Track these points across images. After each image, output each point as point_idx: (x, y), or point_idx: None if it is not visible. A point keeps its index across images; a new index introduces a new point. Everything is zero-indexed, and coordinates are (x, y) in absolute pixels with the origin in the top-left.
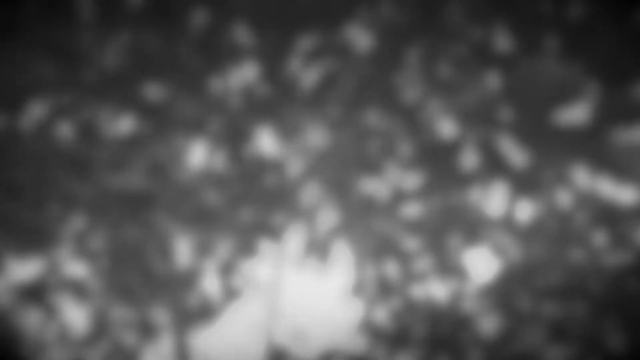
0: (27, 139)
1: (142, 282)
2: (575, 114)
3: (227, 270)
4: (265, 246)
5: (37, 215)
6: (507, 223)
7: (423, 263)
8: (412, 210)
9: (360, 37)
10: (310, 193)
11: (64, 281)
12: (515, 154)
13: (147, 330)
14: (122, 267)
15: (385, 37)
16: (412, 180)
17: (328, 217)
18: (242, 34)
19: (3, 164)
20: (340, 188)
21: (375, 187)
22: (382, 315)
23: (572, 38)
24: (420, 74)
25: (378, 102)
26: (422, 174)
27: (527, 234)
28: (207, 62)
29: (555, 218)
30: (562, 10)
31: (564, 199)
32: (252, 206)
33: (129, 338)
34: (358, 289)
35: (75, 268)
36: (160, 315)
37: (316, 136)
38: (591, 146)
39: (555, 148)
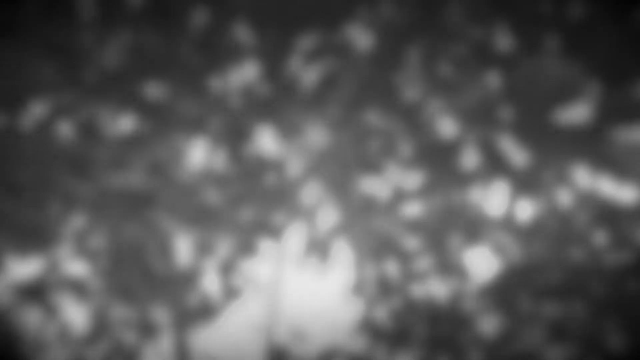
0: (27, 138)
1: (143, 281)
2: (576, 113)
3: (227, 269)
4: (266, 246)
5: (37, 215)
6: (508, 223)
7: (423, 263)
8: (413, 209)
9: (360, 37)
10: (311, 192)
11: (64, 280)
12: (515, 153)
13: (147, 330)
14: (123, 267)
15: (385, 36)
16: (412, 179)
17: (328, 217)
18: (242, 33)
19: (3, 163)
20: (340, 187)
21: (375, 186)
22: (382, 314)
23: (573, 38)
24: (421, 73)
25: (378, 101)
26: (422, 173)
27: (528, 234)
28: (207, 62)
29: (555, 218)
30: (562, 10)
31: (564, 198)
32: (252, 206)
33: (129, 337)
34: (358, 289)
35: (76, 267)
36: (160, 315)
37: (316, 135)
38: (591, 146)
39: (555, 148)
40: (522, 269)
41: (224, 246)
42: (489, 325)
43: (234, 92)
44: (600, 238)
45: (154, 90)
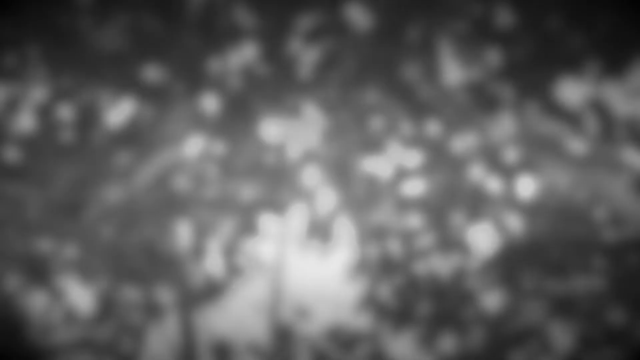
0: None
1: (147, 262)
2: (576, 89)
3: (230, 249)
4: (268, 226)
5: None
6: (510, 199)
7: (426, 240)
8: (415, 187)
9: (360, 16)
10: (312, 172)
11: (68, 263)
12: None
13: (152, 310)
14: (127, 248)
15: (385, 15)
16: (413, 158)
17: (330, 196)
18: (241, 14)
19: (3, 147)
20: (341, 167)
21: (376, 165)
22: (385, 292)
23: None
24: (421, 51)
25: (378, 80)
26: (423, 151)
27: (530, 210)
28: (206, 43)
29: (556, 195)
30: None
31: (564, 176)
32: (253, 186)
33: (134, 318)
34: (361, 267)
35: (79, 250)
36: (165, 295)
37: (317, 115)
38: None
39: (554, 125)
40: (524, 244)
41: (226, 226)
42: (491, 301)
43: (233, 73)
44: (600, 214)
45: (153, 72)
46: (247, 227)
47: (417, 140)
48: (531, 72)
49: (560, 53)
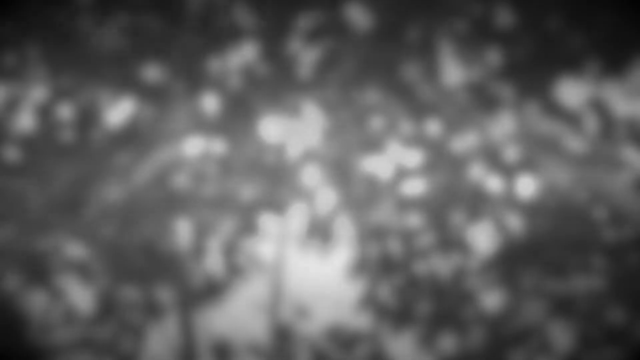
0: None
1: (147, 262)
2: (576, 89)
3: (230, 249)
4: (268, 225)
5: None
6: (510, 199)
7: (426, 239)
8: (414, 187)
9: (360, 16)
10: (312, 172)
11: (68, 262)
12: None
13: (152, 310)
14: (126, 248)
15: (385, 14)
16: (413, 157)
17: (330, 196)
18: (241, 13)
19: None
20: (341, 167)
21: (376, 165)
22: (385, 291)
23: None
24: (421, 51)
25: (378, 80)
26: (423, 151)
27: (530, 209)
28: (206, 43)
29: (556, 194)
30: None
31: (564, 175)
32: (253, 186)
33: (134, 318)
34: (361, 266)
35: (79, 249)
36: (165, 295)
37: (317, 115)
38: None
39: (554, 124)
40: (524, 244)
41: (226, 226)
42: (491, 300)
43: (233, 72)
44: (600, 213)
45: (153, 72)
46: (247, 226)
47: (417, 140)
48: (531, 71)
49: (560, 53)
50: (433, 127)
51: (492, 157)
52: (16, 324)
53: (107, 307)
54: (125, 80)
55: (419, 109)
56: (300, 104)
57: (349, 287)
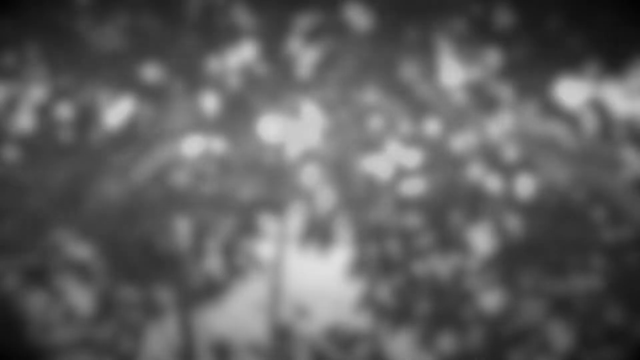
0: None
1: (146, 261)
2: (575, 89)
3: (229, 249)
4: (268, 225)
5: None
6: (509, 198)
7: (425, 239)
8: (414, 187)
9: (359, 16)
10: (311, 171)
11: (68, 263)
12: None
13: (151, 310)
14: (126, 247)
15: (384, 14)
16: (413, 157)
17: (329, 196)
18: (240, 13)
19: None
20: (340, 166)
21: (376, 164)
22: (384, 291)
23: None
24: (420, 51)
25: (377, 80)
26: (422, 151)
27: (529, 209)
28: (205, 43)
29: (554, 194)
30: None
31: (563, 175)
32: (253, 186)
33: (134, 318)
34: (360, 266)
35: (78, 249)
36: (165, 295)
37: (316, 115)
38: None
39: (553, 124)
40: (523, 244)
41: (225, 226)
42: (490, 300)
43: (232, 72)
44: (598, 213)
45: (152, 72)
46: (247, 226)
47: (416, 140)
48: (530, 71)
49: (560, 53)
50: (432, 126)
51: (491, 156)
52: (16, 323)
53: (107, 307)
54: (124, 79)
55: (418, 109)
56: (299, 103)
57: (348, 287)
